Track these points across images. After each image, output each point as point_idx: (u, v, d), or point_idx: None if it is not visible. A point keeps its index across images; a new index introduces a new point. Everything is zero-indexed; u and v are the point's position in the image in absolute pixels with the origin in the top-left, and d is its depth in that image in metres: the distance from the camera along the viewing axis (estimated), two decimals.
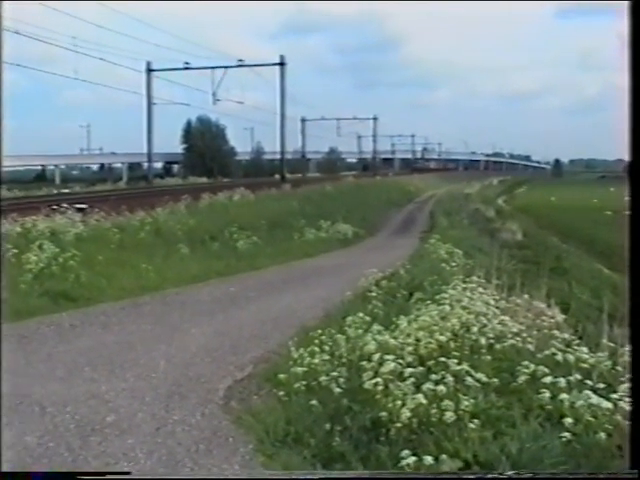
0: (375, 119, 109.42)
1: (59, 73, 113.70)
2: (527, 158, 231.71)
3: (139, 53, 63.78)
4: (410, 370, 6.17)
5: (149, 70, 57.40)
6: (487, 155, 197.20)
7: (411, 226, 38.10)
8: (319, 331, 8.37)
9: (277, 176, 61.19)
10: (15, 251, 14.79)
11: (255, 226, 25.04)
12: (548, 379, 5.97)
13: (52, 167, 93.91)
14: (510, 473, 4.99)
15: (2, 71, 5.41)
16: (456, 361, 6.28)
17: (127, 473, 5.61)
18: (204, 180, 67.73)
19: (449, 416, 5.45)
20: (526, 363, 6.37)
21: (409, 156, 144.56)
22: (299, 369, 7.21)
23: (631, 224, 4.05)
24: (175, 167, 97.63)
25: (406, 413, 5.56)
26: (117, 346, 9.75)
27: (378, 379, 6.09)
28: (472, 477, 4.99)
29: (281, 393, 7.05)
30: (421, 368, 6.31)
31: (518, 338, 7.33)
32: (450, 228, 30.36)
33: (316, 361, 7.26)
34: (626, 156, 4.06)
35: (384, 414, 5.79)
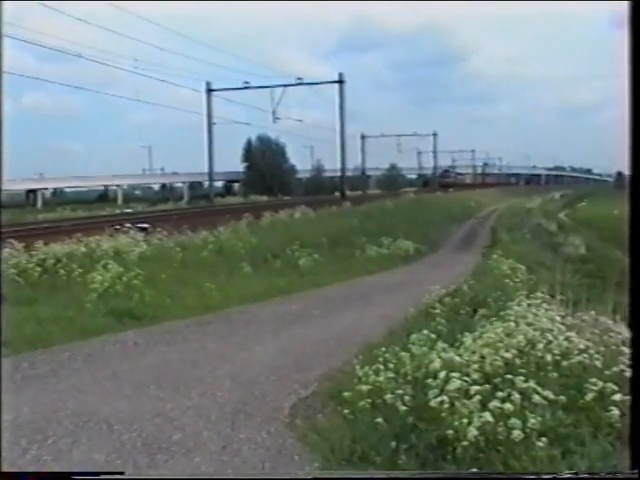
0: (435, 135, 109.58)
1: (121, 95, 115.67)
2: (589, 171, 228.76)
3: (199, 73, 64.66)
4: (476, 388, 6.11)
5: (209, 90, 58.06)
6: (548, 169, 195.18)
7: (473, 242, 37.90)
8: (383, 349, 8.32)
9: (337, 193, 61.40)
10: (80, 271, 15.01)
11: (317, 243, 25.08)
12: (617, 397, 5.87)
13: (114, 187, 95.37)
14: (511, 473, 4.96)
15: (2, 75, 5.44)
16: (522, 378, 6.20)
17: (120, 473, 5.66)
18: (265, 198, 68.14)
19: (516, 434, 5.39)
20: (594, 380, 6.26)
21: (469, 171, 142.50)
22: (364, 387, 7.17)
23: (631, 226, 4.03)
24: (236, 186, 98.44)
25: (473, 431, 5.50)
26: (182, 364, 9.82)
27: (444, 397, 6.04)
28: (473, 477, 4.96)
29: (346, 411, 7.02)
30: (487, 385, 6.23)
31: (585, 355, 7.22)
32: (512, 243, 30.17)
33: (381, 379, 7.22)
34: None
35: (450, 432, 5.73)
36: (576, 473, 4.91)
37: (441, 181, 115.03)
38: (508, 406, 5.67)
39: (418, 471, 5.55)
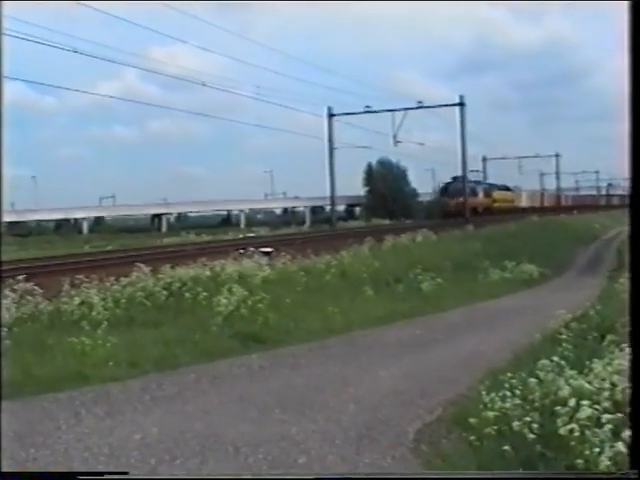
0: (557, 156, 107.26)
1: (243, 121, 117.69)
2: None
3: (319, 98, 65.26)
4: (607, 416, 5.95)
5: (330, 115, 58.46)
6: None
7: (598, 265, 37.07)
8: (509, 374, 8.19)
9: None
10: (205, 294, 15.28)
11: (439, 267, 24.90)
12: None
13: (237, 212, 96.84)
14: (512, 472, 4.81)
15: (2, 78, 5.49)
16: None
17: (125, 473, 5.68)
18: (387, 222, 67.99)
19: None
20: None
21: (594, 192, 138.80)
22: (490, 413, 7.06)
23: (631, 227, 3.93)
24: (357, 209, 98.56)
25: (605, 461, 5.36)
26: (306, 388, 9.89)
27: (573, 425, 5.91)
28: (472, 477, 4.82)
29: (472, 437, 6.92)
30: (619, 414, 6.07)
31: None
32: None
33: (507, 405, 7.11)
34: None
35: (580, 462, 5.59)
36: (577, 473, 4.78)
37: (445, 202, 65.95)
38: None
39: (418, 471, 5.46)
